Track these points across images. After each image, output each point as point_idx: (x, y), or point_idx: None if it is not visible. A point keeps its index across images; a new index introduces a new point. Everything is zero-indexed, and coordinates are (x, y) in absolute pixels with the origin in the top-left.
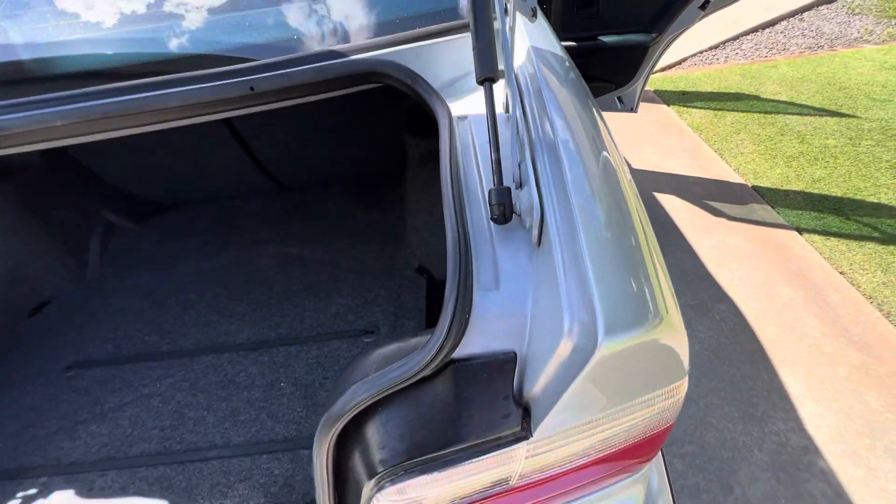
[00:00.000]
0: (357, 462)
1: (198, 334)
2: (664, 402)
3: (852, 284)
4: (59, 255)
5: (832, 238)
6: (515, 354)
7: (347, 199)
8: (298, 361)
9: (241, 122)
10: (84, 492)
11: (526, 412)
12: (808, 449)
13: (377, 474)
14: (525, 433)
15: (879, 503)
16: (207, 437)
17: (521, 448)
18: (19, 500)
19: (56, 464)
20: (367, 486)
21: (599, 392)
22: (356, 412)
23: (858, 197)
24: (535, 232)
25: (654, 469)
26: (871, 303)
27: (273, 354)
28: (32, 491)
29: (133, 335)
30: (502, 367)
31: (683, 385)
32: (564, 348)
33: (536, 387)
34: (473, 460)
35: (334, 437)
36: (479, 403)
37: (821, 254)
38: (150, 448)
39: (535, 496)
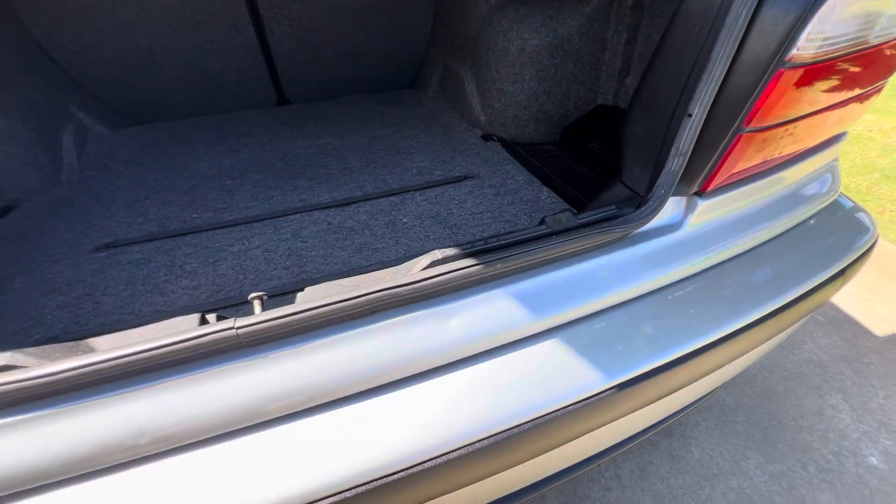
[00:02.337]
0: None
1: (264, 205)
2: None
3: None
4: (27, 144)
5: None
6: None
7: (366, 103)
8: (407, 205)
9: None
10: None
11: None
12: None
13: None
14: None
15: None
16: (350, 264)
17: None
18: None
19: (158, 312)
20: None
21: None
22: None
23: None
24: None
25: None
26: None
27: (374, 205)
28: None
29: (174, 216)
30: None
31: None
32: None
33: None
34: None
35: None
36: None
37: None
38: (283, 282)
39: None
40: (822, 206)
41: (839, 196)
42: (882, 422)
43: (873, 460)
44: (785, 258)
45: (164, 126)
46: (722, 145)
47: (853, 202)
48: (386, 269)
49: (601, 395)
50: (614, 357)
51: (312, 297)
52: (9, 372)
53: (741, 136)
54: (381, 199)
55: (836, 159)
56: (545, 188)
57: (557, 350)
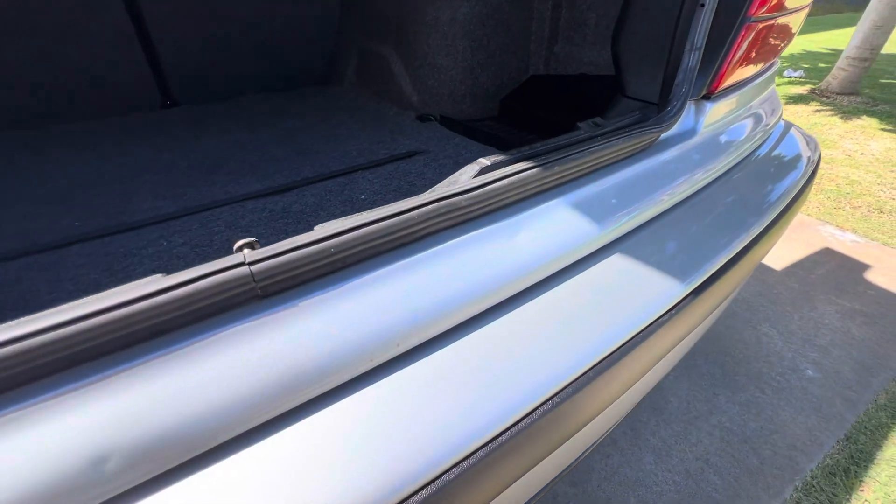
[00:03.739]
0: None
1: (176, 204)
2: None
3: None
4: None
5: None
6: None
7: (274, 100)
8: (359, 183)
9: None
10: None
11: None
12: None
13: None
14: None
15: None
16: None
17: None
18: None
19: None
20: None
21: None
22: None
23: None
24: None
25: None
26: None
27: (319, 187)
28: None
29: (46, 227)
30: None
31: None
32: None
33: None
34: None
35: None
36: None
37: None
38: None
39: None
40: (776, 121)
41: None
42: (804, 339)
43: (810, 372)
44: (778, 160)
45: (12, 134)
46: (730, 37)
47: (786, 120)
48: (413, 197)
49: (681, 304)
50: (681, 264)
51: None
52: None
53: (747, 26)
54: (327, 182)
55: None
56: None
57: (627, 263)
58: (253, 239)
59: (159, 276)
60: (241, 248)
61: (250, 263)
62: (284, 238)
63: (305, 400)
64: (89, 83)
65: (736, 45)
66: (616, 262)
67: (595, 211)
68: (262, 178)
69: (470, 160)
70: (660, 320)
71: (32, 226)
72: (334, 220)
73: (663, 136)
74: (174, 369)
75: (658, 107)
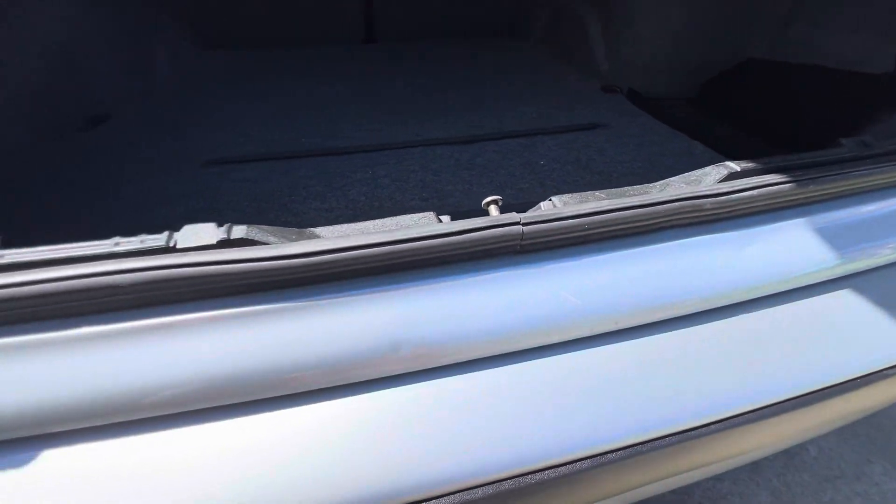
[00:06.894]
0: None
1: (371, 137)
2: None
3: None
4: (121, 53)
5: None
6: None
7: (461, 47)
8: (538, 148)
9: None
10: None
11: None
12: None
13: None
14: None
15: None
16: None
17: None
18: None
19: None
20: None
21: None
22: None
23: None
24: None
25: None
26: None
27: (500, 145)
28: None
29: (279, 139)
30: None
31: None
32: None
33: None
34: None
35: None
36: None
37: None
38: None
39: None
40: None
41: None
42: None
43: None
44: None
45: (248, 53)
46: None
47: None
48: (643, 185)
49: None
50: None
51: (574, 206)
52: (244, 248)
53: None
54: (508, 140)
55: None
56: (696, 142)
57: (857, 302)
58: (497, 197)
59: (430, 214)
60: (488, 205)
61: (524, 224)
62: (469, 187)
63: (536, 345)
64: (315, 15)
65: None
66: (839, 299)
67: (837, 239)
68: (446, 127)
69: (657, 143)
70: (866, 378)
71: (269, 135)
72: (574, 195)
73: None
74: (448, 296)
75: None
